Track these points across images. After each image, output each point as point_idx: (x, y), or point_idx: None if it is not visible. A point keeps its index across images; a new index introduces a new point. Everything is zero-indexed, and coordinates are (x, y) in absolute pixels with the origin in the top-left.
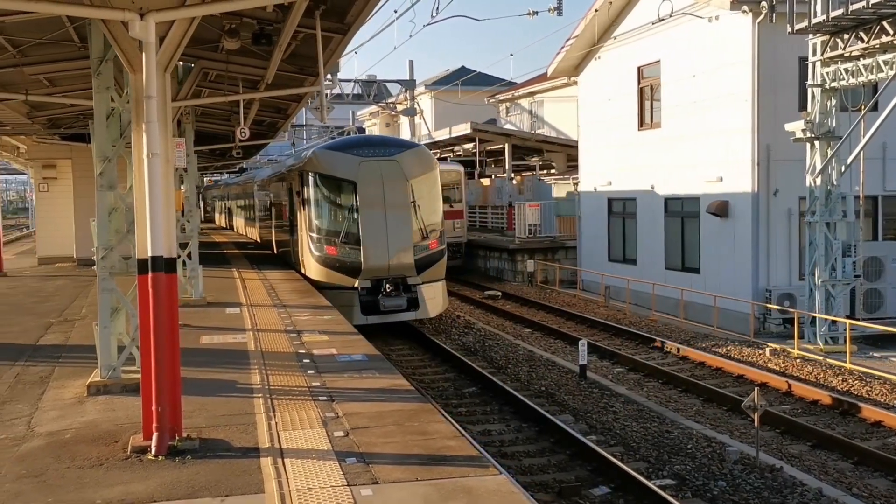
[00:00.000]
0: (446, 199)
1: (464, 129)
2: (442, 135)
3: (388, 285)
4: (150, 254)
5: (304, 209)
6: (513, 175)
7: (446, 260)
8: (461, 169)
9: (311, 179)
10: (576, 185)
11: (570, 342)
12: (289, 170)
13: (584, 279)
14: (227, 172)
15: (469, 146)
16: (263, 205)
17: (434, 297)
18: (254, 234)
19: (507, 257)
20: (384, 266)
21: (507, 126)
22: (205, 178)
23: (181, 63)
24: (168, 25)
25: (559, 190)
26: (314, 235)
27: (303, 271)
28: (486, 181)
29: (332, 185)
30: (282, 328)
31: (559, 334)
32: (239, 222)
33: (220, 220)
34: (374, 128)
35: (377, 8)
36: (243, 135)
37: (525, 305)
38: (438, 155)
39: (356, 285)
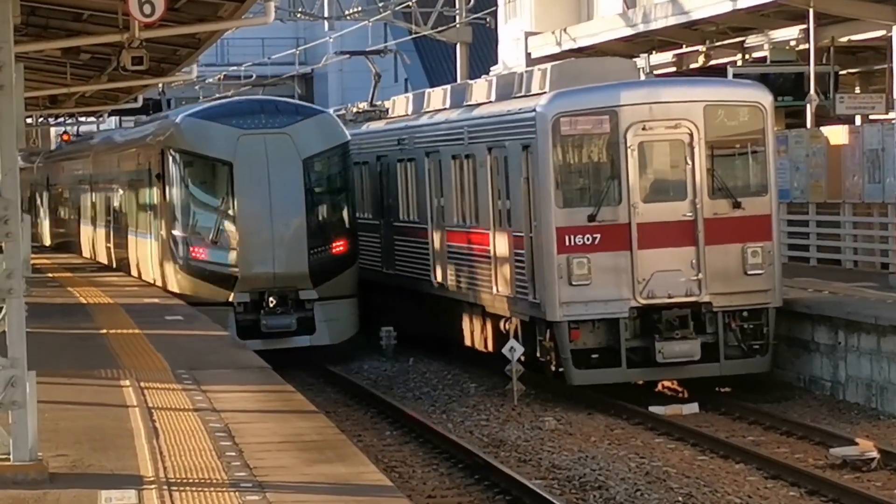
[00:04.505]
0: (722, 188)
1: None
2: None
3: (271, 299)
4: None
5: (163, 199)
6: None
7: (357, 268)
8: (764, 100)
9: (173, 159)
10: None
11: None
12: (145, 144)
13: None
14: (117, 112)
15: (787, 35)
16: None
17: (338, 319)
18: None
19: None
20: (268, 274)
21: None
22: (52, 131)
23: None
24: None
25: None
26: (177, 234)
27: (163, 283)
28: (833, 131)
29: (201, 166)
30: None
31: None
32: (134, 249)
33: (89, 238)
34: None
35: None
36: (147, 11)
37: None
38: (702, 62)
39: (231, 299)
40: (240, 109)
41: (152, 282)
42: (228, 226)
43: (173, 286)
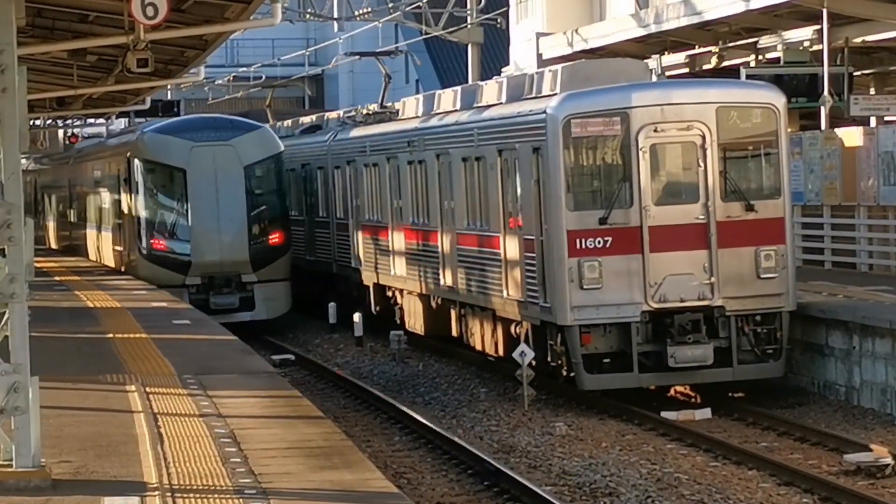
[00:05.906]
0: (735, 191)
1: None
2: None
3: (218, 282)
4: None
5: (129, 199)
6: None
7: (290, 256)
8: (778, 101)
9: (137, 166)
10: None
11: None
12: (114, 153)
13: None
14: (125, 115)
15: (801, 36)
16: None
17: (274, 298)
18: None
19: None
20: (216, 261)
21: None
22: (60, 133)
23: None
24: None
25: None
26: (140, 229)
27: (128, 270)
28: (848, 133)
29: (160, 172)
30: None
31: None
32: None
33: (80, 239)
34: None
35: None
36: (150, 14)
37: None
38: (714, 63)
39: (185, 282)
40: (193, 125)
41: (118, 268)
42: (183, 222)
43: (137, 272)
